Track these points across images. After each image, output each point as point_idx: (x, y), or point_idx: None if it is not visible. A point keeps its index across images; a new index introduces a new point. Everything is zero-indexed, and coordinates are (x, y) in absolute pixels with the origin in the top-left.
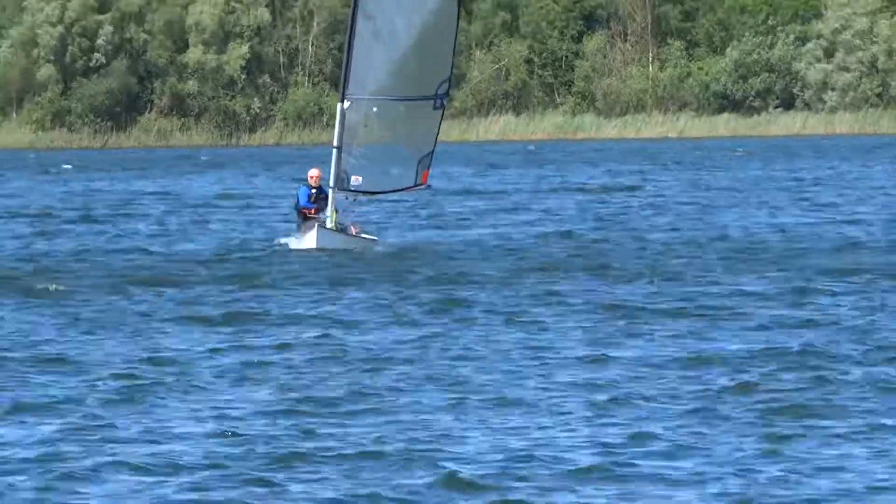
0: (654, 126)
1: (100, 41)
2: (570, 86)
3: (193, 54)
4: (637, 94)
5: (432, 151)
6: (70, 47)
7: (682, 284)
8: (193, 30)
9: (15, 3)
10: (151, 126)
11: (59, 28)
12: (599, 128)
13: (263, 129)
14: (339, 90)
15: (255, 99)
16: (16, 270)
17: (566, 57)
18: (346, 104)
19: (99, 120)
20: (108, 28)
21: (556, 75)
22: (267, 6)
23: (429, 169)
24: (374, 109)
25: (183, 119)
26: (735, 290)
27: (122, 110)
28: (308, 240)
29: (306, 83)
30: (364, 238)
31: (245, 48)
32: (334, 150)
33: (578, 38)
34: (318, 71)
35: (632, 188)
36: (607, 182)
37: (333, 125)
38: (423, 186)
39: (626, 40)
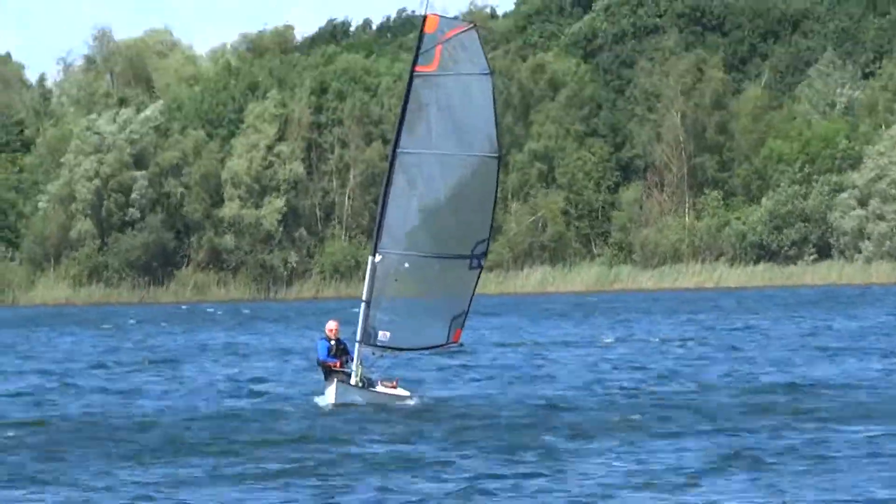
0: (690, 276)
1: (134, 195)
2: (606, 237)
3: (230, 208)
4: (674, 245)
5: (466, 311)
6: (106, 202)
7: None
8: (229, 184)
9: (53, 158)
10: (188, 280)
11: (96, 182)
12: (636, 278)
13: (301, 282)
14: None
15: (292, 252)
16: None
17: (603, 208)
18: (378, 258)
19: (136, 274)
20: (143, 182)
21: (592, 226)
22: (303, 160)
23: (461, 328)
24: (406, 265)
25: (220, 273)
26: None
27: (159, 265)
28: (328, 395)
29: (343, 236)
30: (389, 393)
31: (281, 202)
32: (362, 305)
33: (615, 189)
34: (355, 224)
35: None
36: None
37: None
38: (454, 345)
39: (662, 191)
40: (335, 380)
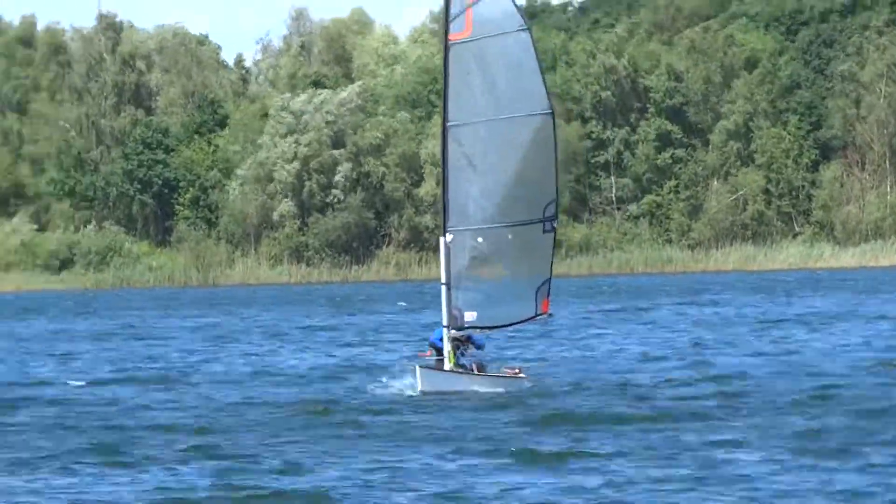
0: (893, 253)
1: (338, 177)
2: (807, 215)
3: (428, 188)
4: (876, 222)
5: (549, 278)
6: (308, 183)
7: None
8: (428, 163)
9: (249, 138)
10: (390, 259)
11: (295, 164)
12: (838, 256)
13: None
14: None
15: None
16: None
17: (803, 186)
18: (449, 237)
19: (336, 254)
20: (347, 165)
21: (793, 204)
22: None
23: (548, 297)
24: (480, 239)
25: (421, 252)
26: None
27: (360, 244)
28: (417, 382)
29: None
30: (480, 376)
31: None
32: (443, 288)
33: (814, 168)
34: None
35: None
36: None
37: (571, 256)
38: (544, 316)
39: (863, 169)
40: (417, 366)
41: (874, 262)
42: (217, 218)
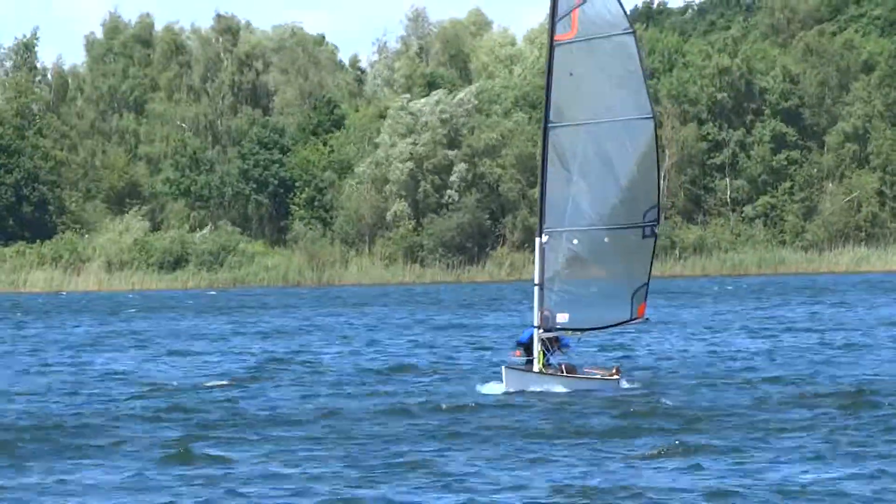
0: None
1: (453, 178)
2: None
3: None
4: None
5: (646, 283)
6: (423, 183)
7: None
8: None
9: (365, 138)
10: (504, 259)
11: (410, 164)
12: None
13: None
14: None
15: None
16: None
17: None
18: (545, 238)
19: (449, 254)
20: (462, 166)
21: None
22: None
23: (645, 301)
24: (575, 241)
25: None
26: None
27: (474, 244)
28: (504, 382)
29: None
30: (567, 377)
31: None
32: (535, 289)
33: None
34: (671, 204)
35: None
36: None
37: (685, 257)
38: (640, 320)
39: None
40: (504, 367)
41: None
42: (332, 218)
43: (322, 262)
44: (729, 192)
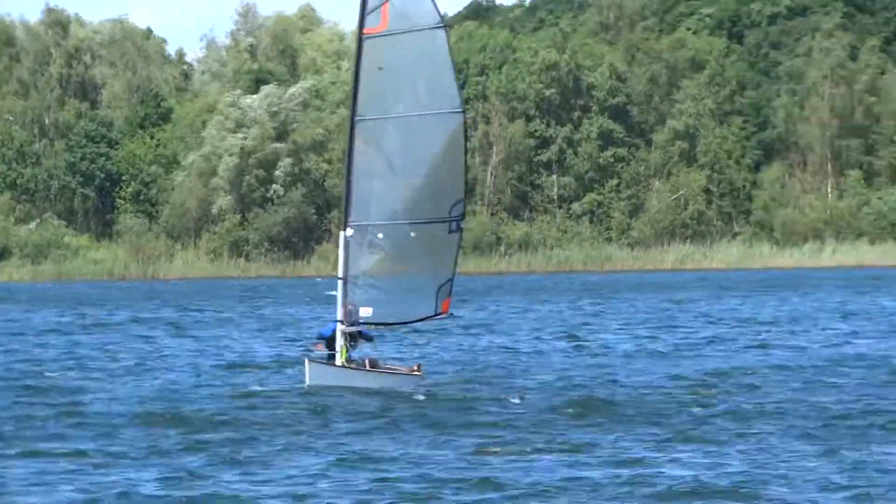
0: (830, 255)
1: (278, 172)
2: (748, 215)
3: None
4: (814, 224)
5: (451, 278)
6: (247, 177)
7: None
8: None
9: (192, 132)
10: (330, 255)
11: (235, 158)
12: (776, 257)
13: None
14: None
15: None
16: None
17: (744, 186)
18: (349, 232)
19: (275, 249)
20: (288, 160)
21: (734, 205)
22: None
23: (450, 297)
24: (380, 235)
25: None
26: None
27: (300, 239)
28: (306, 375)
29: (484, 212)
30: (370, 371)
31: None
32: (339, 283)
33: (756, 168)
34: (497, 200)
35: None
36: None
37: (510, 254)
38: (444, 316)
39: (804, 170)
40: (306, 360)
41: (812, 263)
42: (158, 212)
43: (147, 256)
44: (556, 189)
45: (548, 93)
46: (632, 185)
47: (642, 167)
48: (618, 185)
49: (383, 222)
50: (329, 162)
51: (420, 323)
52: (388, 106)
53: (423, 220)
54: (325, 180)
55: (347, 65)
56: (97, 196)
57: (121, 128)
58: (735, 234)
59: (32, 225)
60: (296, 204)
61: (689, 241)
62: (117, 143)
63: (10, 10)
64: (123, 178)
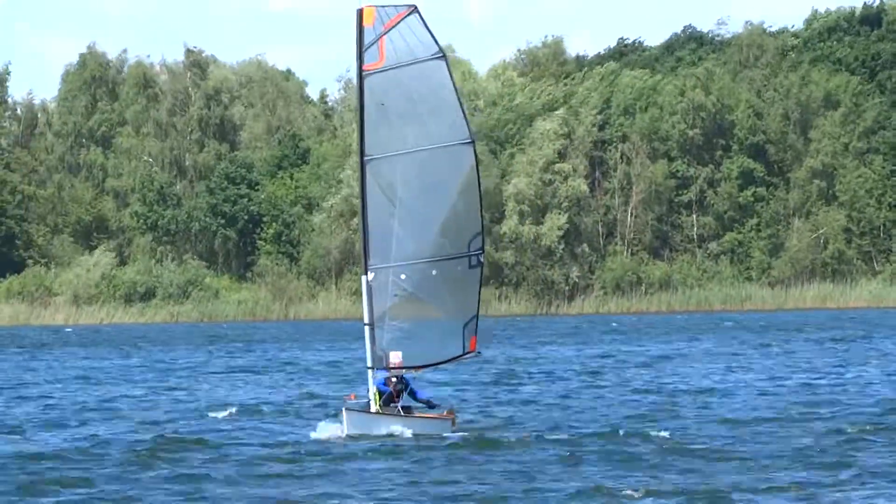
0: None
1: None
2: (888, 254)
3: (510, 224)
4: None
5: (476, 315)
6: None
7: None
8: (511, 200)
9: (330, 174)
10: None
11: None
12: None
13: (582, 297)
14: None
15: (574, 268)
16: None
17: (884, 225)
18: (371, 276)
19: None
20: None
21: (874, 244)
22: (586, 177)
23: (476, 335)
24: (403, 277)
25: (501, 288)
26: None
27: None
28: (343, 425)
29: (625, 252)
30: (407, 417)
31: (564, 219)
32: (366, 328)
33: None
34: (637, 240)
35: None
36: None
37: (651, 293)
38: (472, 355)
39: None
40: (344, 408)
41: None
42: (299, 253)
43: (289, 297)
44: (696, 229)
45: (691, 133)
46: (771, 225)
47: (781, 206)
48: (757, 224)
49: (404, 263)
50: None
51: (449, 364)
52: (396, 143)
53: (443, 256)
54: None
55: (482, 104)
56: (238, 237)
57: (260, 169)
58: (875, 273)
59: (172, 265)
60: None
61: (829, 280)
62: (257, 185)
63: (149, 52)
64: (265, 219)
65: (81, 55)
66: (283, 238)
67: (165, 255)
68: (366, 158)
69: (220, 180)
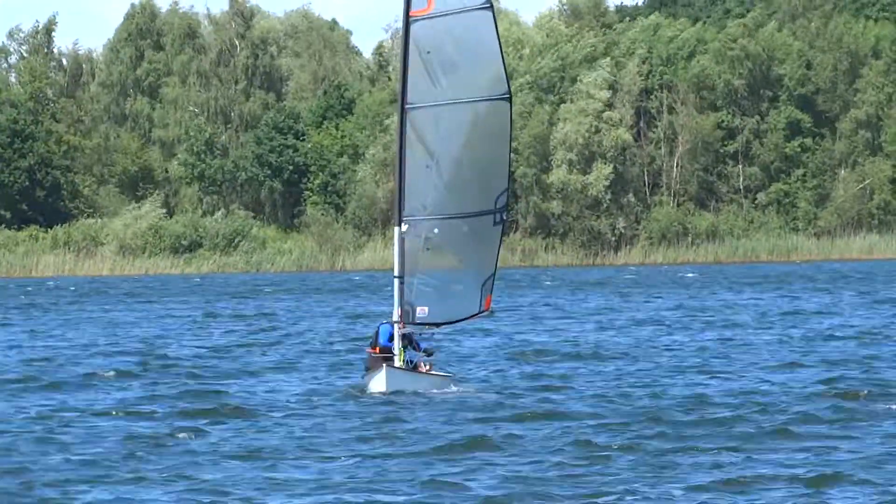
0: None
1: None
2: None
3: (558, 174)
4: None
5: (494, 273)
6: None
7: None
8: (559, 148)
9: (375, 122)
10: (517, 246)
11: None
12: None
13: (628, 248)
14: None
15: (620, 218)
16: None
17: None
18: (404, 227)
19: None
20: None
21: None
22: (630, 127)
23: (490, 293)
24: (436, 231)
25: (548, 238)
26: None
27: None
28: (377, 382)
29: (671, 202)
30: (436, 375)
31: (609, 168)
32: (395, 281)
33: None
34: (683, 190)
35: None
36: None
37: (697, 244)
38: (485, 313)
39: None
40: (384, 365)
41: None
42: (345, 203)
43: (335, 248)
44: (742, 180)
45: (737, 83)
46: (817, 175)
47: (827, 157)
48: (804, 174)
49: (438, 216)
50: (516, 150)
51: (465, 322)
52: (436, 92)
53: (473, 212)
54: (514, 171)
55: (528, 52)
56: (284, 188)
57: (306, 119)
58: None
59: (218, 215)
60: None
61: (875, 231)
62: (304, 135)
63: (192, 2)
64: (311, 169)
65: (132, 5)
66: (330, 188)
67: (211, 205)
68: (406, 107)
69: (268, 130)
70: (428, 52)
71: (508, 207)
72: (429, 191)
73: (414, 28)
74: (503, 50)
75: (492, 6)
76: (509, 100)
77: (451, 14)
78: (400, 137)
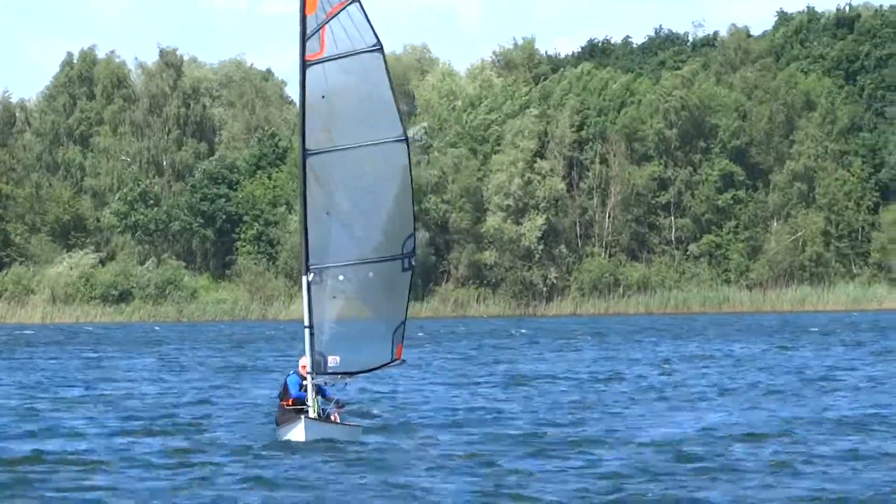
0: None
1: None
2: (866, 257)
3: (493, 221)
4: None
5: (404, 321)
6: None
7: None
8: (494, 196)
9: None
10: (449, 296)
11: None
12: (893, 300)
13: (560, 299)
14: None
15: (552, 269)
16: None
17: (863, 228)
18: (310, 276)
19: None
20: None
21: (852, 246)
22: (563, 178)
23: (402, 342)
24: (341, 278)
25: (480, 289)
26: None
27: (420, 280)
28: (296, 432)
29: (602, 254)
30: (348, 425)
31: (542, 219)
32: (306, 331)
33: (875, 210)
34: (615, 242)
35: None
36: None
37: (629, 295)
38: (397, 362)
39: None
40: (302, 417)
41: None
42: (277, 253)
43: (267, 297)
44: (673, 231)
45: (668, 133)
46: (750, 227)
47: (760, 209)
48: (736, 226)
49: (343, 263)
50: (448, 202)
51: (377, 371)
52: (334, 137)
53: (380, 258)
54: (446, 221)
55: (461, 104)
56: (217, 237)
57: (239, 168)
58: (853, 276)
59: (149, 263)
60: (420, 244)
61: (806, 282)
62: (237, 184)
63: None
64: (244, 219)
65: (69, 53)
66: (263, 238)
67: (143, 254)
68: (306, 153)
69: (202, 179)
70: (322, 97)
71: (414, 252)
72: (330, 238)
73: (308, 73)
74: (395, 92)
75: (381, 48)
76: (405, 141)
77: (342, 57)
78: (302, 185)
